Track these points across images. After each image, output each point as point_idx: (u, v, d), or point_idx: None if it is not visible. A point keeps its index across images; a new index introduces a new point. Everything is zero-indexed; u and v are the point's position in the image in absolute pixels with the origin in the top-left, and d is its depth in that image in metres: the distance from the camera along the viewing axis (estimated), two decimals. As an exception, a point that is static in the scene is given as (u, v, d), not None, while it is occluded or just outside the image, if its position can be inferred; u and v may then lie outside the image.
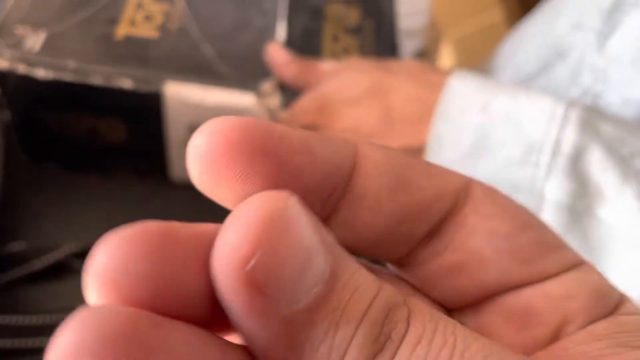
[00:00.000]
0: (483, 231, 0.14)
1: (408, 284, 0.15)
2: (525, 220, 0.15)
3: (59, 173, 0.53)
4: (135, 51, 0.47)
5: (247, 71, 0.47)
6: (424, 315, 0.12)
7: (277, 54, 0.48)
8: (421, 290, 0.15)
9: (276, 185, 0.12)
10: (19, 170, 0.52)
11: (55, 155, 0.53)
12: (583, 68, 0.51)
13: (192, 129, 0.48)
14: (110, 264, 0.11)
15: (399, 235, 0.14)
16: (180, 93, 0.46)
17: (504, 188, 0.36)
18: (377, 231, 0.14)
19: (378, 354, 0.11)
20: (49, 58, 0.46)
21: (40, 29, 0.47)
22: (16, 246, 0.47)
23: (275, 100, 0.47)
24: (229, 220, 0.11)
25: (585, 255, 0.18)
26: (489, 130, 0.41)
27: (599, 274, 0.15)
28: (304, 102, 0.46)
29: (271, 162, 0.12)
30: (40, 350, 0.43)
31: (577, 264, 0.15)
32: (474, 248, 0.14)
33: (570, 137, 0.39)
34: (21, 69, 0.45)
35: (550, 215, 0.40)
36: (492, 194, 0.15)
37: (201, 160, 0.12)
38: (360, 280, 0.11)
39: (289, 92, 0.48)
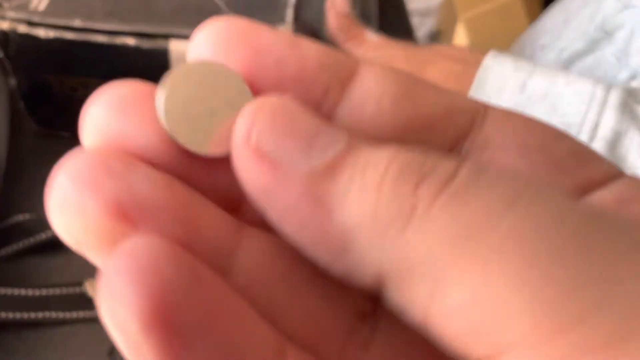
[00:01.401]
0: (513, 146, 0.13)
1: None
2: (555, 132, 0.14)
3: (69, 143, 0.52)
4: (142, 3, 0.46)
5: (258, 20, 0.46)
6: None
7: (339, 2, 0.48)
8: None
9: (257, 70, 0.13)
10: (25, 140, 0.51)
11: (66, 122, 0.52)
12: (632, 49, 0.50)
13: None
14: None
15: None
16: (185, 49, 0.45)
17: None
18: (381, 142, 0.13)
19: (420, 183, 0.11)
20: (53, 17, 0.45)
21: None
22: (21, 218, 0.46)
23: None
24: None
25: None
26: (525, 110, 0.41)
27: None
28: None
29: (250, 48, 0.13)
30: (45, 323, 0.43)
31: (620, 173, 0.13)
32: (507, 164, 0.13)
33: (609, 121, 0.38)
34: (22, 29, 0.44)
35: None
36: (512, 113, 0.14)
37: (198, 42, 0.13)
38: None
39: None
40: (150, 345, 0.10)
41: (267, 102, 0.12)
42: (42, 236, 0.45)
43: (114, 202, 0.11)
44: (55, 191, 0.11)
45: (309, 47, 0.13)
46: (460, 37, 1.07)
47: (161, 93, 0.12)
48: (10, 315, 0.42)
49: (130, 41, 0.44)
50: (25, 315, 0.42)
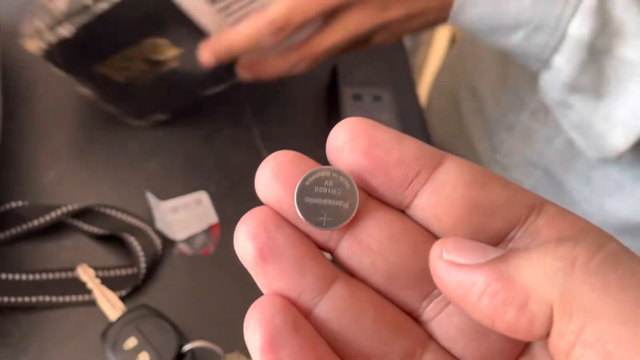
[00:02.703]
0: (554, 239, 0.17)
1: None
2: (587, 226, 0.18)
3: (55, 127, 0.53)
4: None
5: None
6: None
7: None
8: None
9: (372, 155, 0.18)
10: (16, 126, 0.52)
11: (155, 105, 0.53)
12: None
13: None
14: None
15: (472, 226, 0.18)
16: None
17: (527, 28, 0.43)
18: (453, 217, 0.18)
19: (576, 245, 0.16)
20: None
21: None
22: (14, 205, 0.47)
23: None
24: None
25: (599, 91, 0.31)
26: None
27: None
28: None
29: (369, 141, 0.18)
30: (38, 307, 0.44)
31: None
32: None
33: None
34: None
35: (569, 53, 0.43)
36: (564, 212, 0.18)
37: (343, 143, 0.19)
38: None
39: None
40: None
41: (449, 238, 0.17)
42: (35, 223, 0.46)
43: (260, 248, 0.18)
44: (237, 230, 0.18)
45: (410, 142, 0.18)
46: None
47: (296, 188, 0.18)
48: (5, 299, 0.43)
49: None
50: (20, 299, 0.43)
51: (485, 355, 0.18)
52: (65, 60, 0.48)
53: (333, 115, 0.57)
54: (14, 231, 0.46)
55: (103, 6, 0.45)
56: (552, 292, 0.15)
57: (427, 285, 0.18)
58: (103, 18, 0.45)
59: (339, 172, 0.18)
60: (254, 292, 0.51)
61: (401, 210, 0.19)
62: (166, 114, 0.55)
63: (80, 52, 0.47)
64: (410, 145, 0.18)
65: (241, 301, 0.47)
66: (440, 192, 0.18)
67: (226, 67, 0.48)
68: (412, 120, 0.62)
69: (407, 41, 0.93)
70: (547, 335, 0.16)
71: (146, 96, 0.52)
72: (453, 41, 1.25)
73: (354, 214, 0.18)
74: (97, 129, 0.54)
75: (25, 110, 0.54)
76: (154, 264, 0.47)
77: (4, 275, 0.44)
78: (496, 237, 0.18)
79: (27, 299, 0.44)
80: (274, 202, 0.18)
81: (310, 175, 0.18)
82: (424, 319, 0.19)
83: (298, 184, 0.18)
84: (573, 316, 0.15)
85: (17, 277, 0.44)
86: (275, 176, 0.18)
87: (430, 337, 0.19)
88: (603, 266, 0.15)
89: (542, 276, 0.15)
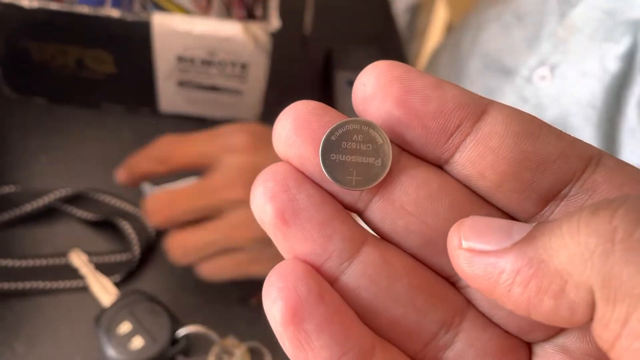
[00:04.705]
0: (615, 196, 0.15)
1: None
2: None
3: (47, 112, 0.52)
4: None
5: None
6: None
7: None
8: None
9: (407, 105, 0.16)
10: (5, 110, 0.52)
11: (42, 88, 0.52)
12: (542, 36, 0.51)
13: (180, 59, 0.48)
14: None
15: (521, 182, 0.16)
16: (167, 22, 0.45)
17: None
18: (499, 172, 0.16)
19: (613, 214, 0.13)
20: None
21: None
22: (7, 189, 0.47)
23: (262, 28, 0.46)
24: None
25: None
26: None
27: None
28: None
29: (404, 88, 0.16)
30: (31, 293, 0.44)
31: None
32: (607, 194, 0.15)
33: None
34: None
35: None
36: (623, 164, 0.16)
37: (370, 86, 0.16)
38: None
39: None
40: (285, 336, 0.15)
41: (465, 221, 0.15)
42: (27, 208, 0.46)
43: (280, 210, 0.16)
44: (254, 190, 0.16)
45: (450, 89, 0.16)
46: (440, 12, 1.07)
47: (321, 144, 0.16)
48: (1, 285, 0.43)
49: (115, 13, 0.45)
50: (13, 285, 0.43)
51: (529, 323, 0.17)
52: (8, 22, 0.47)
53: (327, 102, 0.57)
54: (6, 216, 0.46)
55: (85, 10, 0.45)
56: (591, 276, 0.13)
57: None
58: (71, 16, 0.45)
59: (370, 125, 0.16)
60: (250, 280, 0.50)
61: (439, 166, 0.17)
62: (44, 99, 0.54)
63: (21, 25, 0.46)
64: (451, 92, 0.16)
65: (235, 287, 0.47)
66: (485, 145, 0.16)
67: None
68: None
69: (403, 30, 0.93)
70: (592, 319, 0.14)
71: (42, 78, 0.51)
72: (449, 30, 1.25)
73: (386, 171, 0.16)
74: (88, 114, 0.53)
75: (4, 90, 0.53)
76: (148, 249, 0.46)
77: (-4, 261, 0.44)
78: (548, 195, 0.16)
79: (19, 285, 0.43)
80: (296, 159, 0.16)
81: (336, 128, 0.16)
82: (462, 284, 0.17)
83: (323, 139, 0.16)
84: (617, 303, 0.13)
85: (9, 263, 0.44)
86: (297, 130, 0.16)
87: (469, 303, 0.17)
88: None
89: (577, 257, 0.13)
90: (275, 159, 0.17)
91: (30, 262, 0.44)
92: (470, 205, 0.16)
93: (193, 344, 0.43)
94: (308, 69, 0.62)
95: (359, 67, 0.18)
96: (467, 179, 0.16)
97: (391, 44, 0.68)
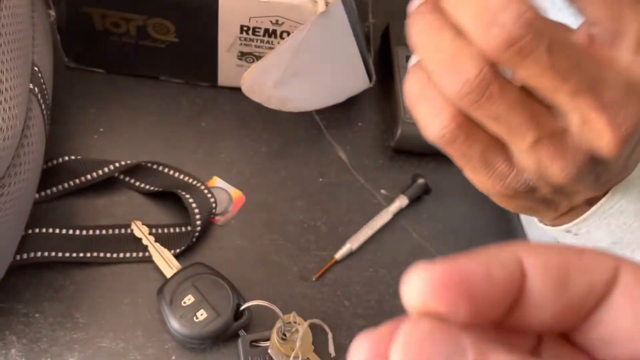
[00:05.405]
0: (630, 312, 0.17)
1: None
2: None
3: (105, 82, 0.52)
4: None
5: None
6: None
7: None
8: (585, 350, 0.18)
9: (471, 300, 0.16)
10: (64, 81, 0.51)
11: (101, 59, 0.51)
12: None
13: (243, 29, 0.47)
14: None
15: (561, 325, 0.17)
16: None
17: None
18: (543, 324, 0.17)
19: None
20: None
21: None
22: (67, 159, 0.46)
23: None
24: None
25: None
26: None
27: None
28: None
29: (462, 298, 0.16)
30: (92, 263, 0.43)
31: None
32: (621, 327, 0.17)
33: None
34: None
35: None
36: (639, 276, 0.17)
37: (420, 292, 0.16)
38: None
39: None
40: None
41: None
42: (88, 176, 0.45)
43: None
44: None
45: (495, 270, 0.16)
46: None
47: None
48: (59, 254, 0.42)
49: None
50: (74, 254, 0.43)
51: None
52: None
53: (386, 77, 0.55)
54: (66, 185, 0.45)
55: None
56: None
57: None
58: None
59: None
60: (308, 256, 0.49)
61: None
62: (103, 70, 0.53)
63: None
64: (499, 277, 0.17)
65: (294, 265, 0.46)
66: (531, 305, 0.17)
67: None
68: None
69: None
70: None
71: (102, 48, 0.50)
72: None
73: None
74: (147, 86, 0.53)
75: (63, 58, 0.53)
76: (208, 222, 0.46)
77: (57, 231, 0.43)
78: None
79: (81, 254, 0.43)
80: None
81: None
82: None
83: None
84: None
85: (70, 232, 0.43)
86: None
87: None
88: None
89: None
90: None
91: (91, 232, 0.44)
92: None
93: (255, 319, 0.42)
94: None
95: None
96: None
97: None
